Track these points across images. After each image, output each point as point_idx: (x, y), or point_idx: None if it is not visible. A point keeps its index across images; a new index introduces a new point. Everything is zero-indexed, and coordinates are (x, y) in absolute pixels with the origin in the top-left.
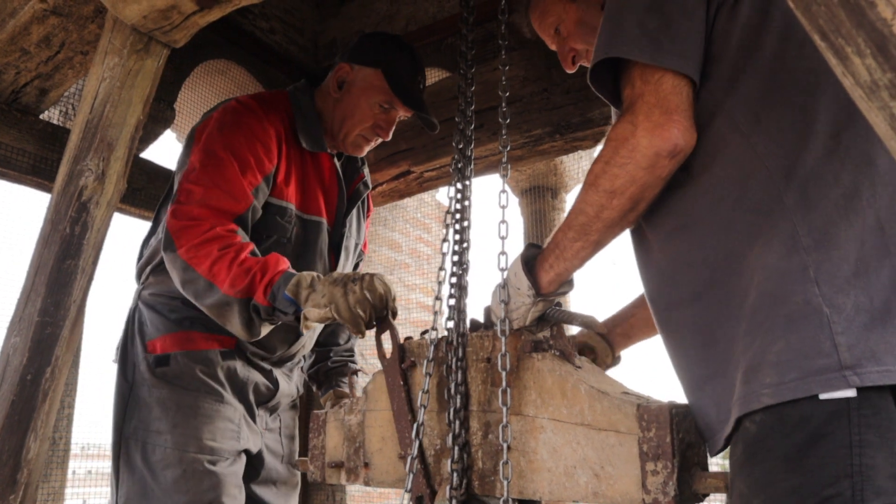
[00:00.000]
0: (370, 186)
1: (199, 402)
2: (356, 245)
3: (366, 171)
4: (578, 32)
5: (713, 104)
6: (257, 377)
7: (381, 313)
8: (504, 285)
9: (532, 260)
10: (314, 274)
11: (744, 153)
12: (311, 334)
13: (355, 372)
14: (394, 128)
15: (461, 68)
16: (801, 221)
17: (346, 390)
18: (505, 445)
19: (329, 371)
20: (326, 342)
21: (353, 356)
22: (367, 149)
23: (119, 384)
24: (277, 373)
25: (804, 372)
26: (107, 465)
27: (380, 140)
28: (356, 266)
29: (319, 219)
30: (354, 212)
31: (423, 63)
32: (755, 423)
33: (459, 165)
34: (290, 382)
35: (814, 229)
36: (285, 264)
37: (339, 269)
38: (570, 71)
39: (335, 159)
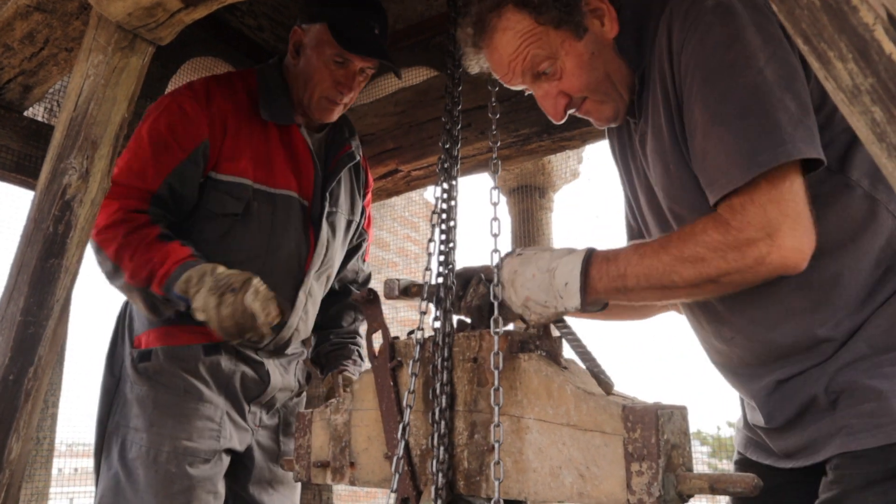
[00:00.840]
0: (357, 158)
1: (177, 400)
2: (349, 222)
3: (354, 143)
4: (581, 76)
5: (835, 177)
6: (245, 370)
7: (244, 331)
8: (498, 283)
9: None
10: (208, 269)
11: (888, 222)
12: (303, 317)
13: (342, 371)
14: (360, 83)
15: (448, 68)
16: None
17: (346, 373)
18: (497, 445)
19: (329, 353)
20: (328, 324)
21: (354, 339)
22: (336, 112)
23: (105, 379)
24: (270, 365)
25: None
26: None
27: (348, 99)
28: (358, 247)
29: (289, 193)
30: (343, 186)
31: (379, 8)
32: None
33: (446, 165)
34: (285, 375)
35: None
36: (185, 252)
37: (323, 246)
38: (557, 122)
39: (304, 130)
